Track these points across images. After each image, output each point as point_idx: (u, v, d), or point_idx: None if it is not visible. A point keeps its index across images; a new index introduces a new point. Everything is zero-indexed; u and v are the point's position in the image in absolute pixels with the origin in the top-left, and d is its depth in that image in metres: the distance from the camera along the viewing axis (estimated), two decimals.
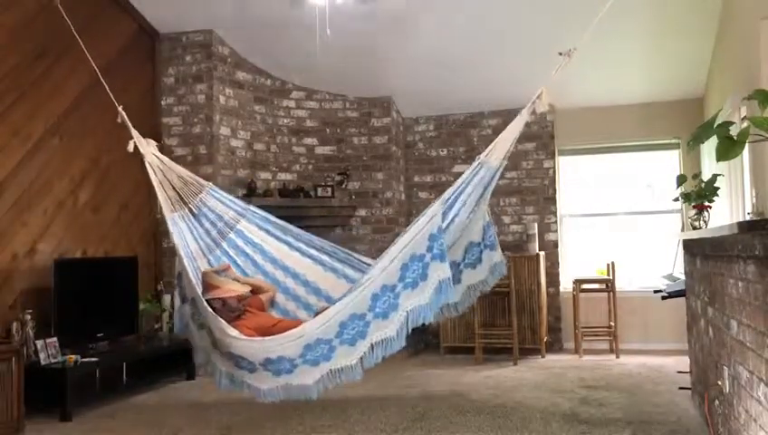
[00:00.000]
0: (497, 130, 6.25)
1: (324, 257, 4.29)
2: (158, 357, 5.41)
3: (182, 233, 3.96)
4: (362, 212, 6.97)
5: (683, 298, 4.80)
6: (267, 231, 4.26)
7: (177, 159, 6.00)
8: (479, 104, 7.10)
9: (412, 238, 3.46)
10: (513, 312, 6.31)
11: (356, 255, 4.36)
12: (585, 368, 5.89)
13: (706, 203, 4.10)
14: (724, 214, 4.96)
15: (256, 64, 6.59)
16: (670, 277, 5.55)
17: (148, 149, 3.87)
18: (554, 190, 7.04)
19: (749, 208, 4.26)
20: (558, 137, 7.08)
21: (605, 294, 6.57)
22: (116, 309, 5.40)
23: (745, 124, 2.45)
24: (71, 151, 5.27)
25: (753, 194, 4.18)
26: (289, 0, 5.49)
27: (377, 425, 4.17)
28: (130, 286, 5.49)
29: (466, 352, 6.59)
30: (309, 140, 7.00)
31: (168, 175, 3.93)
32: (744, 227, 2.21)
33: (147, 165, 3.84)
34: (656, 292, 5.46)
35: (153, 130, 6.11)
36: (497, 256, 4.01)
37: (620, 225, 7.01)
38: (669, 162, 6.91)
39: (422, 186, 7.40)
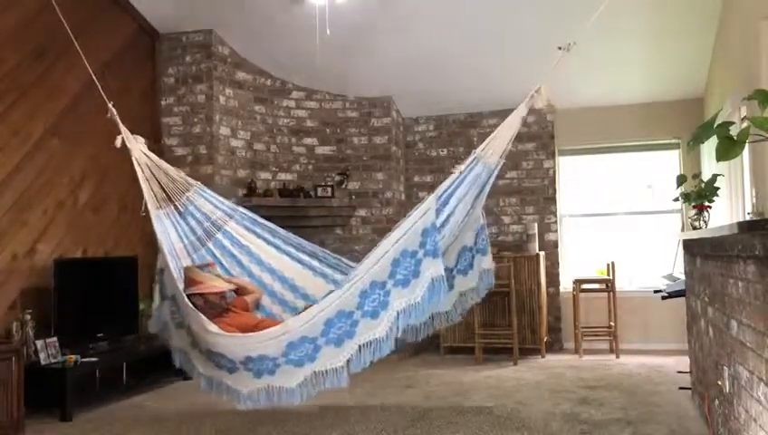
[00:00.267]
0: None
1: (314, 262, 4.18)
2: (158, 357, 5.38)
3: (166, 231, 3.89)
4: (362, 212, 6.97)
5: (683, 298, 4.80)
6: (256, 233, 4.17)
7: (177, 159, 6.04)
8: (479, 104, 7.10)
9: (404, 233, 3.31)
10: (513, 312, 6.31)
11: (346, 260, 4.25)
12: (585, 368, 5.89)
13: (706, 203, 4.10)
14: (724, 214, 4.96)
15: (256, 64, 6.59)
16: (670, 277, 5.55)
17: (136, 145, 3.83)
18: (554, 190, 7.04)
19: (749, 208, 4.26)
20: (558, 137, 7.08)
21: (605, 294, 6.57)
22: (116, 309, 5.40)
23: (745, 124, 2.45)
24: (70, 151, 5.27)
25: (753, 194, 4.18)
26: (289, 0, 5.49)
27: (377, 425, 4.17)
28: (130, 286, 5.49)
29: (466, 352, 6.59)
30: (309, 140, 7.00)
31: (155, 172, 3.87)
32: (744, 227, 2.21)
33: (134, 161, 3.78)
34: (656, 292, 5.47)
35: (153, 130, 6.12)
36: (487, 261, 3.91)
37: (620, 225, 7.00)
38: (669, 162, 6.91)
39: (422, 186, 7.40)
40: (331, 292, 3.40)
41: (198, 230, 4.07)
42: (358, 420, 4.28)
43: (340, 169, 6.96)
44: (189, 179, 4.06)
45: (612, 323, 6.48)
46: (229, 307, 3.87)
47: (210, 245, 4.10)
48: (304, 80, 6.86)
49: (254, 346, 3.30)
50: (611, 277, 6.47)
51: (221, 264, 4.10)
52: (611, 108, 6.89)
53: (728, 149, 2.49)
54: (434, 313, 3.93)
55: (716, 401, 3.31)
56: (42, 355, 4.55)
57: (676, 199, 4.60)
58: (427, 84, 6.75)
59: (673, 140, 6.86)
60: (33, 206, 4.91)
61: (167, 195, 3.93)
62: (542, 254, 6.69)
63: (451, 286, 3.79)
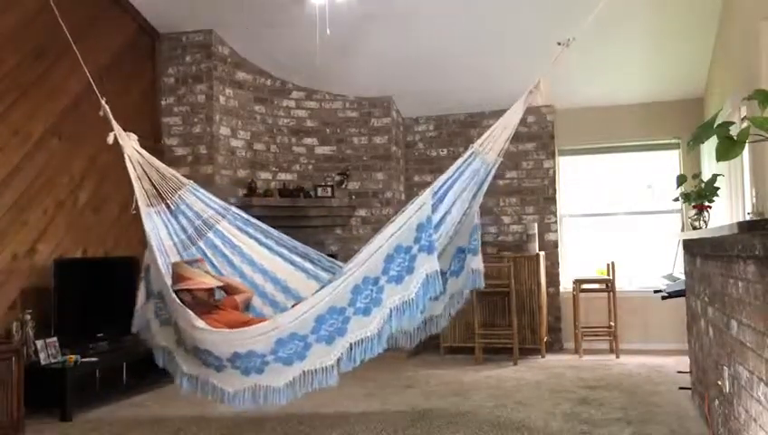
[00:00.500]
0: None
1: (307, 265, 4.14)
2: None
3: (156, 228, 3.85)
4: (362, 212, 6.97)
5: (683, 298, 4.80)
6: (248, 234, 4.13)
7: (177, 159, 6.05)
8: (479, 104, 7.10)
9: (399, 228, 3.25)
10: (513, 312, 6.31)
11: (341, 263, 4.18)
12: (585, 368, 5.88)
13: (706, 203, 4.10)
14: (724, 214, 4.96)
15: (256, 64, 6.59)
16: (670, 277, 5.55)
17: (129, 142, 3.81)
18: (554, 190, 7.04)
19: (749, 208, 4.26)
20: (558, 137, 7.08)
21: (605, 294, 6.57)
22: (116, 309, 5.38)
23: (745, 124, 2.45)
24: (70, 151, 5.27)
25: (753, 194, 4.18)
26: (289, 0, 5.49)
27: (377, 425, 4.17)
28: (130, 286, 5.45)
29: (466, 352, 6.59)
30: (309, 140, 7.00)
31: (147, 169, 3.85)
32: (744, 227, 2.21)
33: (126, 158, 3.77)
34: (656, 292, 5.47)
35: (153, 130, 6.13)
36: (476, 262, 3.87)
37: (620, 225, 7.01)
38: (669, 162, 6.91)
39: (422, 186, 7.36)
40: (323, 287, 3.33)
41: (189, 229, 4.02)
42: (358, 420, 4.28)
43: (340, 169, 6.96)
44: (181, 178, 4.03)
45: (612, 323, 6.48)
46: (218, 305, 3.80)
47: (201, 244, 4.04)
48: (304, 80, 6.86)
49: (241, 342, 3.22)
50: (611, 277, 6.47)
51: (212, 263, 4.05)
52: (611, 108, 6.89)
53: (728, 149, 2.49)
54: (426, 317, 3.92)
55: (716, 401, 3.31)
56: (42, 355, 4.55)
57: (676, 199, 4.60)
58: (427, 84, 6.75)
59: (673, 140, 6.86)
60: (33, 206, 4.91)
61: (158, 193, 3.90)
62: (542, 254, 6.69)
63: (444, 289, 3.72)
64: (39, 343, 4.56)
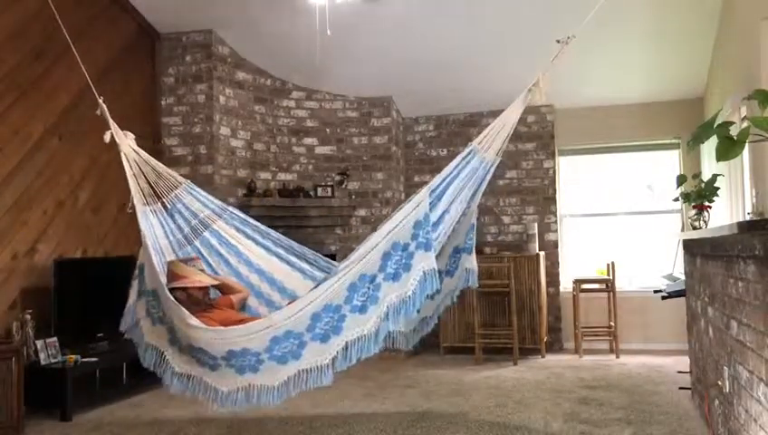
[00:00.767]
0: None
1: (304, 265, 4.11)
2: None
3: (152, 227, 3.84)
4: (362, 212, 6.97)
5: (683, 298, 4.80)
6: (245, 234, 4.10)
7: (177, 159, 6.05)
8: (479, 104, 7.10)
9: (396, 225, 3.23)
10: (513, 312, 6.30)
11: (336, 263, 4.12)
12: (585, 368, 5.89)
13: (706, 203, 4.11)
14: (724, 214, 4.96)
15: (256, 64, 6.59)
16: (670, 277, 5.55)
17: (125, 140, 3.80)
18: (554, 190, 7.04)
19: (749, 208, 4.26)
20: (558, 137, 7.08)
21: (605, 294, 6.57)
22: (116, 309, 5.34)
23: (745, 124, 2.45)
24: (70, 151, 5.27)
25: (753, 194, 4.18)
26: (289, 0, 5.49)
27: (377, 425, 4.17)
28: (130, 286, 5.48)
29: (466, 352, 6.59)
30: (309, 140, 7.00)
31: (143, 168, 3.83)
32: (744, 227, 2.21)
33: (122, 156, 3.76)
34: (656, 292, 5.47)
35: (153, 130, 6.13)
36: (470, 261, 3.86)
37: (620, 225, 7.01)
38: (669, 162, 6.91)
39: (422, 186, 7.27)
40: (319, 284, 3.30)
41: (185, 228, 4.00)
42: (358, 420, 4.28)
43: (340, 169, 6.96)
44: (178, 177, 4.01)
45: (612, 323, 6.48)
46: (213, 304, 3.79)
47: (197, 243, 4.02)
48: (304, 80, 6.86)
49: (236, 340, 3.19)
50: (611, 277, 6.47)
51: (208, 263, 4.02)
52: (611, 108, 6.89)
53: (728, 149, 2.49)
54: (420, 317, 3.90)
55: (716, 401, 3.31)
56: (42, 355, 4.55)
57: (676, 199, 4.60)
58: (427, 84, 6.75)
59: (673, 140, 6.86)
60: (33, 206, 4.91)
61: (154, 191, 3.88)
62: (542, 254, 6.69)
63: (439, 289, 3.70)
64: (39, 343, 4.56)
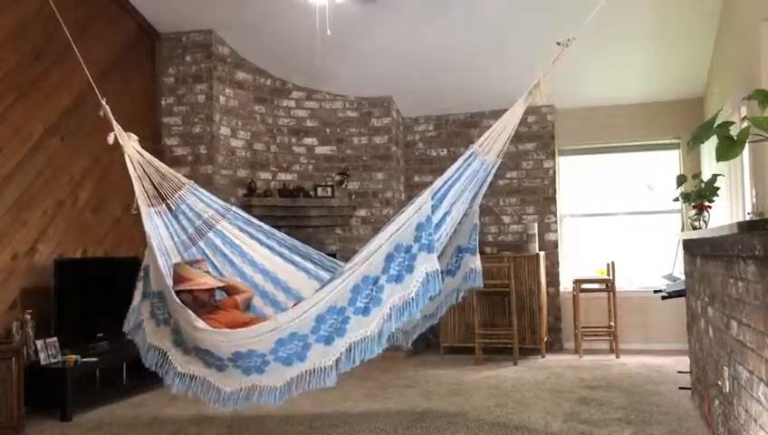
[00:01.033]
0: None
1: (308, 265, 4.12)
2: None
3: (157, 228, 3.84)
4: (362, 212, 6.97)
5: (683, 298, 4.80)
6: (249, 234, 4.11)
7: (177, 159, 6.04)
8: (479, 104, 7.10)
9: (399, 228, 3.24)
10: (513, 312, 6.31)
11: (341, 263, 4.14)
12: (585, 368, 5.89)
13: (706, 203, 4.11)
14: (724, 214, 4.96)
15: (256, 64, 6.59)
16: (670, 277, 5.55)
17: (129, 142, 3.79)
18: (554, 190, 7.04)
19: (749, 208, 4.26)
20: (558, 137, 7.08)
21: (605, 294, 6.57)
22: (116, 309, 5.34)
23: (745, 124, 2.45)
24: (71, 151, 5.27)
25: (753, 194, 4.18)
26: (289, 0, 5.49)
27: (377, 425, 4.17)
28: (130, 286, 5.46)
29: (466, 352, 6.59)
30: (309, 140, 7.00)
31: (147, 170, 3.83)
32: (744, 227, 2.21)
33: (126, 158, 3.75)
34: (656, 292, 5.47)
35: (153, 130, 6.13)
36: (474, 262, 3.86)
37: (620, 225, 7.01)
38: (669, 162, 6.92)
39: (422, 186, 7.34)
40: (323, 287, 3.31)
41: (189, 229, 4.01)
42: (358, 420, 4.28)
43: (340, 169, 6.96)
44: (181, 177, 4.02)
45: (612, 323, 6.48)
46: (218, 306, 3.80)
47: (201, 244, 4.03)
48: (304, 80, 6.86)
49: (242, 342, 3.21)
50: (611, 277, 6.47)
51: (212, 263, 4.04)
52: (611, 108, 6.90)
53: (728, 149, 2.49)
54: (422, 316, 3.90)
55: (716, 401, 3.31)
56: (42, 355, 4.55)
57: (676, 199, 4.60)
58: (427, 84, 6.75)
59: (673, 140, 6.86)
60: (33, 206, 4.91)
61: (158, 193, 3.89)
62: (542, 254, 6.69)
63: (441, 289, 3.66)
64: (39, 343, 4.56)
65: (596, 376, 5.51)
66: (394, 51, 6.20)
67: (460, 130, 7.33)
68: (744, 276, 2.48)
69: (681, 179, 4.39)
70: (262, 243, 4.13)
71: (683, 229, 5.71)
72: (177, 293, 3.55)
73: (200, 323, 3.30)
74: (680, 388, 4.88)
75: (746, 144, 2.48)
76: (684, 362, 5.18)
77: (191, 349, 3.45)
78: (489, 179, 3.60)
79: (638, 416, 4.22)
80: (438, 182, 3.42)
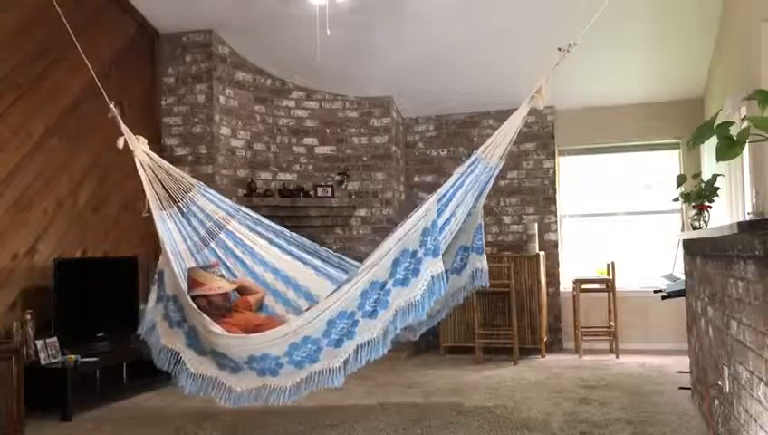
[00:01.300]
0: None
1: (317, 262, 4.21)
2: None
3: (170, 231, 3.89)
4: (362, 212, 6.97)
5: (683, 298, 4.80)
6: (258, 233, 4.18)
7: (177, 159, 6.04)
8: (479, 104, 7.10)
9: (405, 234, 3.35)
10: (513, 312, 6.30)
11: (349, 259, 4.27)
12: (585, 368, 5.89)
13: (706, 203, 4.11)
14: (724, 214, 4.96)
15: (256, 64, 6.59)
16: (670, 277, 5.55)
17: (139, 146, 3.82)
18: (554, 190, 7.04)
19: (749, 208, 4.26)
20: (558, 137, 7.08)
21: (605, 294, 6.57)
22: (116, 309, 5.40)
23: (745, 124, 2.45)
24: (71, 151, 5.27)
25: (753, 194, 4.18)
26: (289, 0, 5.49)
27: (377, 425, 4.17)
28: (130, 286, 5.49)
29: (466, 352, 6.59)
30: (309, 140, 7.00)
31: (157, 173, 3.87)
32: (744, 226, 2.21)
33: (137, 162, 3.79)
34: (656, 292, 5.46)
35: (153, 130, 6.12)
36: (481, 261, 3.93)
37: (620, 225, 7.01)
38: (669, 162, 6.92)
39: (422, 186, 7.40)
40: (334, 292, 3.41)
41: (201, 231, 4.07)
42: (358, 420, 4.28)
43: (340, 169, 6.96)
44: (191, 179, 4.06)
45: (612, 323, 6.48)
46: (232, 307, 3.88)
47: (213, 245, 4.10)
48: (304, 80, 6.86)
49: (256, 347, 3.32)
50: (611, 277, 6.47)
51: (224, 264, 4.11)
52: (611, 108, 6.89)
53: (728, 149, 2.50)
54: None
55: (716, 401, 3.31)
56: (42, 355, 4.54)
57: (676, 199, 4.60)
58: (427, 84, 6.75)
59: (673, 140, 6.86)
60: (33, 206, 4.91)
61: (169, 195, 3.93)
62: (542, 254, 6.69)
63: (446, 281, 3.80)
64: (39, 343, 4.55)
65: (596, 376, 5.51)
66: (394, 51, 6.20)
67: (460, 130, 7.33)
68: (744, 276, 2.48)
69: (681, 179, 4.39)
70: (271, 242, 4.21)
71: (683, 229, 5.71)
72: (193, 298, 3.63)
73: (216, 328, 3.40)
74: (680, 388, 4.88)
75: (746, 144, 2.48)
76: (684, 362, 5.18)
77: (207, 351, 3.54)
78: (492, 181, 3.67)
79: (638, 416, 4.22)
80: (443, 188, 3.51)
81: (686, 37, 5.75)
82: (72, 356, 4.63)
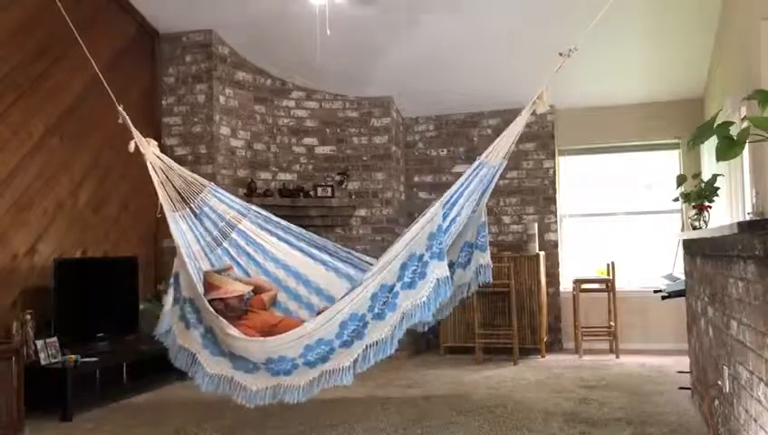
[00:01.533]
0: (497, 130, 6.27)
1: (326, 257, 4.28)
2: (158, 357, 5.37)
3: (183, 233, 3.95)
4: (362, 212, 6.97)
5: (683, 298, 4.80)
6: (269, 231, 4.25)
7: (177, 159, 5.99)
8: (479, 104, 7.10)
9: (413, 238, 3.45)
10: (513, 312, 6.30)
11: (357, 254, 4.35)
12: (585, 368, 5.89)
13: (706, 203, 4.11)
14: (724, 214, 4.96)
15: (256, 64, 6.59)
16: (670, 277, 5.55)
17: (150, 149, 3.86)
18: (554, 190, 7.04)
19: (749, 208, 4.26)
20: (558, 137, 7.08)
21: (605, 294, 6.56)
22: (116, 309, 5.40)
23: (745, 124, 2.45)
24: (71, 151, 5.27)
25: (753, 194, 4.18)
26: (289, 0, 5.49)
27: (377, 425, 4.17)
28: (130, 286, 5.49)
29: (466, 352, 6.59)
30: (309, 140, 7.00)
31: (169, 175, 3.91)
32: (744, 226, 2.21)
33: (148, 165, 3.83)
34: (656, 292, 5.46)
35: (153, 130, 6.12)
36: (485, 258, 4.04)
37: (620, 225, 7.01)
38: (669, 162, 6.91)
39: (422, 186, 7.40)
40: (346, 295, 3.52)
41: (214, 231, 4.13)
42: (358, 420, 4.28)
43: (340, 169, 6.96)
44: (202, 180, 4.10)
45: (612, 323, 6.48)
46: (248, 308, 3.96)
47: (225, 244, 4.16)
48: (304, 80, 6.86)
49: (273, 349, 3.43)
50: (611, 277, 6.47)
51: (237, 263, 4.17)
52: (611, 108, 6.89)
53: (728, 149, 2.50)
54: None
55: (716, 401, 3.31)
56: (42, 355, 4.54)
57: (676, 199, 4.60)
58: (427, 84, 6.75)
59: (673, 140, 6.86)
60: (33, 206, 4.91)
61: (181, 197, 3.97)
62: (542, 254, 6.69)
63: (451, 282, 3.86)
64: (39, 343, 4.55)
65: (596, 376, 5.51)
66: (394, 51, 6.20)
67: (460, 130, 7.33)
68: (744, 276, 2.48)
69: (681, 179, 4.39)
70: (281, 239, 4.27)
71: (683, 229, 5.71)
72: (210, 301, 3.71)
73: (233, 331, 3.50)
74: (680, 388, 4.88)
75: (746, 144, 2.48)
76: (684, 362, 5.18)
77: (225, 353, 3.63)
78: (495, 181, 3.75)
79: (638, 416, 4.22)
80: (448, 194, 3.62)
81: (686, 37, 5.75)
82: (72, 356, 4.63)
